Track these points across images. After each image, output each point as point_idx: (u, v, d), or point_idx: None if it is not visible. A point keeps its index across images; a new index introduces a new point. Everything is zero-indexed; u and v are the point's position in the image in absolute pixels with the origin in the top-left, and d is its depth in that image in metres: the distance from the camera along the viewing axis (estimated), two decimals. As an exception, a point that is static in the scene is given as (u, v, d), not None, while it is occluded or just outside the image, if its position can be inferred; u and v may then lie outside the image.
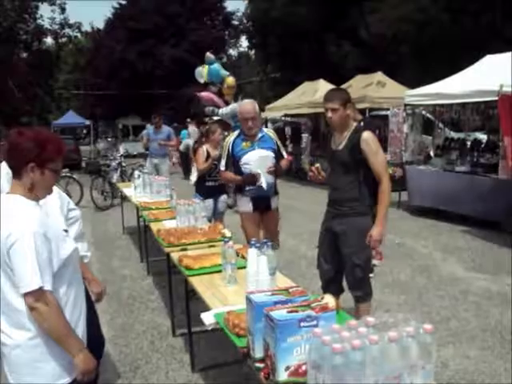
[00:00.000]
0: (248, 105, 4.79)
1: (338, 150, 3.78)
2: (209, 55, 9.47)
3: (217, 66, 9.54)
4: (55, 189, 2.85)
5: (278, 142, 4.90)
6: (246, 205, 4.77)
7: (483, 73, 8.43)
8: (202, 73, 9.70)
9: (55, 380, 2.11)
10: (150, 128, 10.11)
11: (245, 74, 42.20)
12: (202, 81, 9.78)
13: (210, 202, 5.94)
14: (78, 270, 2.27)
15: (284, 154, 4.97)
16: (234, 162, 4.75)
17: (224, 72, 9.56)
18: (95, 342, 2.46)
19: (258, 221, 4.81)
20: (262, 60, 33.59)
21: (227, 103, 9.40)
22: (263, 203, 4.76)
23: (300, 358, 1.82)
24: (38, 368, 2.08)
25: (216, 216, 6.20)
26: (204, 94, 9.06)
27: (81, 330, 2.23)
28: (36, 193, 2.13)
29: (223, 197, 6.31)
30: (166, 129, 10.14)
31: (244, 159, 4.69)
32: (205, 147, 6.17)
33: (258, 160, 4.66)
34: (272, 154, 4.74)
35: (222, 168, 4.85)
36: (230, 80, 9.38)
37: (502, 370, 3.80)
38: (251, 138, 4.71)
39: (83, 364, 2.10)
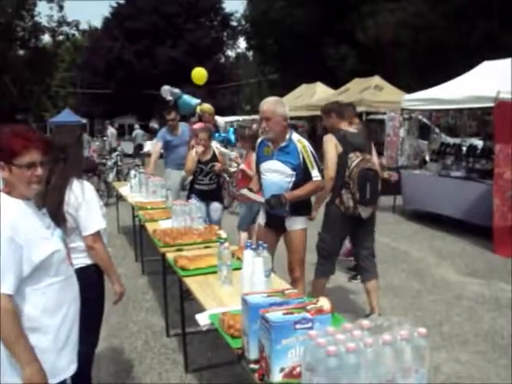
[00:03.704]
0: (264, 104, 4.02)
1: None
2: (175, 91, 9.08)
3: (186, 97, 9.08)
4: (89, 185, 2.93)
5: (308, 158, 3.95)
6: (261, 216, 4.31)
7: (480, 79, 8.47)
8: (170, 91, 9.32)
9: None
10: (164, 131, 7.61)
11: (243, 76, 42.25)
12: (169, 98, 9.41)
13: (200, 205, 5.53)
14: (61, 273, 2.18)
15: (313, 173, 3.96)
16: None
17: (195, 101, 9.06)
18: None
19: (272, 238, 4.14)
20: (259, 61, 33.64)
21: (215, 126, 9.19)
22: (276, 222, 4.12)
23: (295, 359, 1.83)
24: (17, 369, 2.03)
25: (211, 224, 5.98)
26: (196, 126, 8.90)
27: (64, 334, 2.18)
28: (17, 191, 2.08)
29: (215, 205, 5.94)
30: (185, 129, 7.72)
31: (261, 167, 4.18)
32: (194, 150, 5.93)
33: (269, 172, 4.09)
34: (289, 171, 3.96)
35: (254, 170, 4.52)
36: (207, 108, 8.90)
37: (494, 374, 3.82)
38: (274, 143, 4.03)
39: (29, 379, 2.00)
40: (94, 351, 3.13)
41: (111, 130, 20.40)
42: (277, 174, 4.01)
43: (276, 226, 4.14)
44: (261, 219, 4.30)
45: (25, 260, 2.00)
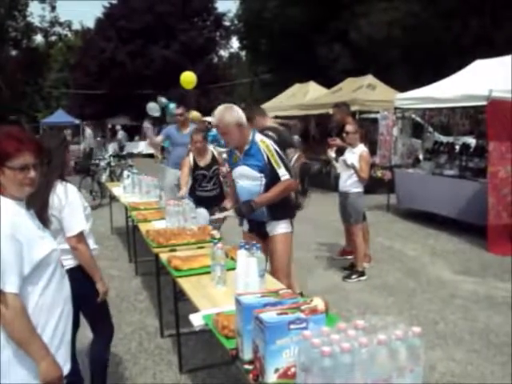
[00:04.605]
0: (214, 118, 3.83)
1: None
2: (160, 99, 9.02)
3: (172, 106, 8.95)
4: (72, 187, 3.00)
5: (272, 157, 3.74)
6: (244, 222, 4.17)
7: (473, 78, 8.49)
8: (156, 107, 9.23)
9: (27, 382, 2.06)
10: (171, 128, 7.39)
11: (236, 75, 42.21)
12: (156, 115, 9.34)
13: (202, 210, 5.10)
14: (58, 272, 2.20)
15: (280, 173, 3.74)
16: None
17: None
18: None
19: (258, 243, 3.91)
20: (252, 61, 33.62)
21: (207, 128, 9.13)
22: (258, 227, 4.00)
23: (289, 360, 1.82)
24: (8, 371, 2.03)
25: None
26: None
27: (60, 333, 2.18)
28: (8, 192, 2.07)
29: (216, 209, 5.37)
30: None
31: (233, 174, 4.03)
32: (191, 156, 5.66)
33: (240, 179, 3.93)
34: (256, 174, 3.78)
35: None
36: (195, 116, 8.70)
37: (489, 372, 3.83)
38: (239, 150, 3.89)
39: (45, 372, 2.03)
40: (110, 340, 3.32)
41: (88, 131, 20.37)
42: (246, 179, 3.85)
43: (258, 231, 3.98)
44: (244, 225, 4.17)
45: (25, 259, 2.00)
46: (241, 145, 3.82)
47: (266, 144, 3.77)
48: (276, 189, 3.76)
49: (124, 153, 16.27)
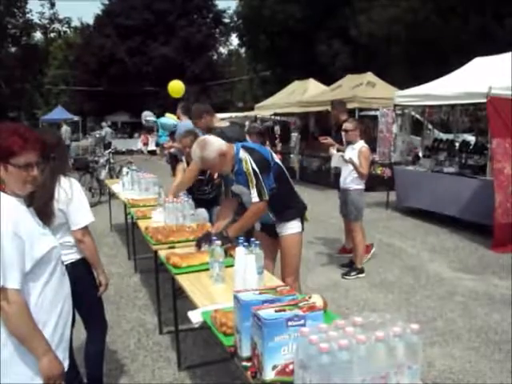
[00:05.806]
0: (196, 160, 3.70)
1: None
2: (152, 120, 8.93)
3: (162, 120, 8.83)
4: (76, 182, 3.05)
5: (249, 176, 3.53)
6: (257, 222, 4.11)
7: (472, 75, 8.48)
8: (150, 115, 9.19)
9: (27, 381, 2.06)
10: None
11: (235, 73, 42.18)
12: (151, 120, 9.30)
13: (202, 210, 5.22)
14: (58, 270, 2.21)
15: (252, 194, 3.54)
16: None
17: (173, 122, 8.81)
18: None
19: (269, 244, 3.94)
20: (252, 58, 33.62)
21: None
22: (269, 228, 3.97)
23: (287, 357, 1.82)
24: (9, 370, 2.03)
25: None
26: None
27: (60, 330, 2.19)
28: (9, 189, 2.07)
29: (217, 209, 5.23)
30: (188, 122, 6.76)
31: (233, 189, 3.90)
32: (185, 162, 5.51)
33: (240, 194, 3.84)
34: (248, 191, 3.64)
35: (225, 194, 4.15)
36: (172, 118, 8.66)
37: (487, 369, 3.83)
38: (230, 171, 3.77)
39: (47, 368, 2.04)
40: (105, 335, 3.35)
41: (64, 128, 20.22)
42: (245, 195, 3.77)
43: (270, 232, 3.97)
44: (256, 225, 4.19)
45: (26, 255, 2.01)
46: (231, 167, 3.70)
47: (245, 161, 3.59)
48: (246, 215, 3.67)
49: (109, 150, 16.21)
